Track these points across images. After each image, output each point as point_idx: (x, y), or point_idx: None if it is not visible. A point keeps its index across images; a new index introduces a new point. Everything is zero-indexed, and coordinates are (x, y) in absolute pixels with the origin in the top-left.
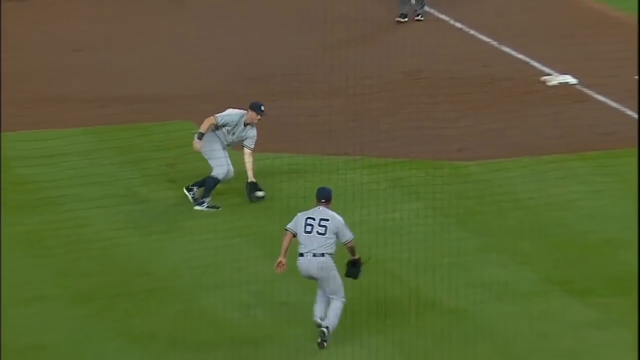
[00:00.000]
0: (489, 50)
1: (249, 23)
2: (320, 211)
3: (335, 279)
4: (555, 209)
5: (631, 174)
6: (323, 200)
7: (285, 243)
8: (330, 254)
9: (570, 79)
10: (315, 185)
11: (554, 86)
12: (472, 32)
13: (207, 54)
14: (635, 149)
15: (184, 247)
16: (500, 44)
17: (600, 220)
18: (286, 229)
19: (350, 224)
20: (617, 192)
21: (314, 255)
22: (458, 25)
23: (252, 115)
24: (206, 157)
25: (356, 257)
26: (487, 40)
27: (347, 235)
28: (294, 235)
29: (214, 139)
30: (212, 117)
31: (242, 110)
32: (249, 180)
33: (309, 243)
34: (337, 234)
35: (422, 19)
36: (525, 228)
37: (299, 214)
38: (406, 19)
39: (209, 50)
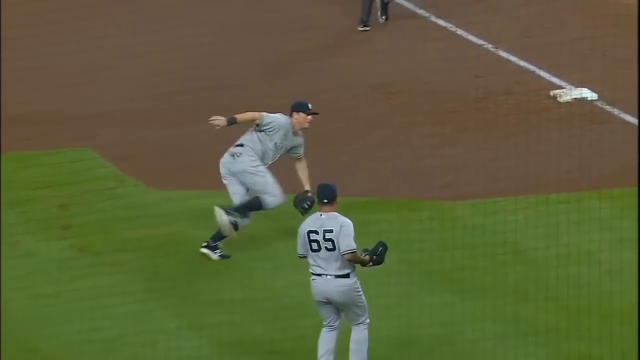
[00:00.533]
0: (482, 55)
1: (166, 20)
2: (322, 219)
3: (362, 301)
4: (569, 262)
5: None
6: (325, 201)
7: None
8: (354, 271)
9: (588, 94)
10: (253, 232)
11: (567, 102)
12: (460, 32)
13: (111, 61)
14: None
15: (82, 314)
16: (497, 48)
17: (627, 278)
18: (299, 256)
19: (301, 284)
20: None
21: (336, 276)
22: (441, 23)
23: (300, 118)
24: (251, 177)
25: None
26: (480, 42)
27: (346, 243)
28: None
29: (256, 151)
30: (257, 113)
31: (286, 116)
32: (307, 189)
33: (324, 263)
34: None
35: (385, 18)
36: (530, 288)
37: (300, 226)
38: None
39: (114, 55)
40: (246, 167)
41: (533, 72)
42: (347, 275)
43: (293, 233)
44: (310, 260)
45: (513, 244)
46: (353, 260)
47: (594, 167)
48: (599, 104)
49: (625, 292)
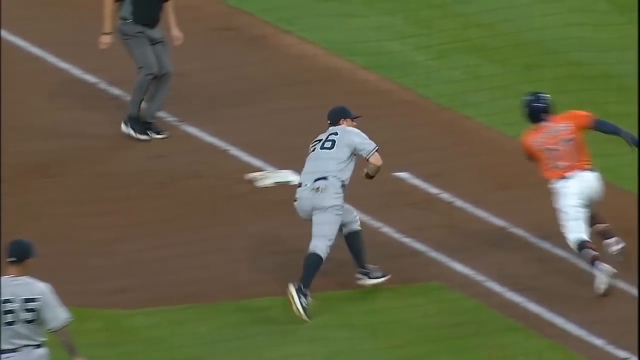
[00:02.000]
0: (165, 130)
1: None
2: (17, 285)
3: None
4: None
5: None
6: (14, 259)
7: None
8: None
9: (292, 177)
10: None
11: (267, 187)
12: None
13: None
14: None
15: None
16: (182, 122)
17: None
18: None
19: None
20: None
21: (36, 346)
22: (115, 91)
23: (348, 124)
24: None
25: None
26: (161, 113)
27: (62, 317)
28: None
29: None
30: (373, 144)
31: (338, 127)
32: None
33: (19, 335)
34: None
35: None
36: None
37: None
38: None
39: None
40: (327, 204)
41: (225, 150)
42: (43, 344)
43: None
44: None
45: None
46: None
47: (300, 267)
48: None
49: None
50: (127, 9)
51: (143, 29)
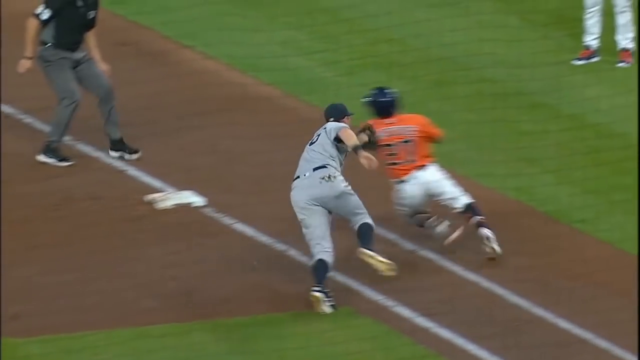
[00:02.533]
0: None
1: None
2: None
3: None
4: None
5: None
6: None
7: None
8: None
9: (193, 199)
10: None
11: (167, 209)
12: (26, 118)
13: None
14: None
15: None
16: (78, 141)
17: None
18: None
19: None
20: None
21: None
22: (5, 109)
23: (348, 122)
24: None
25: None
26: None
27: None
28: None
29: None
30: (349, 129)
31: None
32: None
33: None
34: None
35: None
36: None
37: None
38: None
39: None
40: (342, 188)
41: (123, 171)
42: None
43: None
44: None
45: None
46: None
47: (202, 291)
48: (207, 211)
49: None
50: (48, 33)
51: (65, 54)
